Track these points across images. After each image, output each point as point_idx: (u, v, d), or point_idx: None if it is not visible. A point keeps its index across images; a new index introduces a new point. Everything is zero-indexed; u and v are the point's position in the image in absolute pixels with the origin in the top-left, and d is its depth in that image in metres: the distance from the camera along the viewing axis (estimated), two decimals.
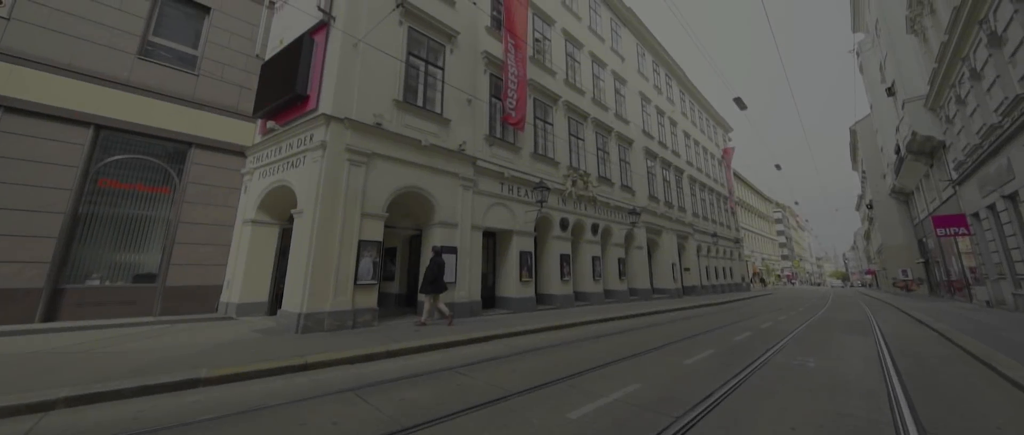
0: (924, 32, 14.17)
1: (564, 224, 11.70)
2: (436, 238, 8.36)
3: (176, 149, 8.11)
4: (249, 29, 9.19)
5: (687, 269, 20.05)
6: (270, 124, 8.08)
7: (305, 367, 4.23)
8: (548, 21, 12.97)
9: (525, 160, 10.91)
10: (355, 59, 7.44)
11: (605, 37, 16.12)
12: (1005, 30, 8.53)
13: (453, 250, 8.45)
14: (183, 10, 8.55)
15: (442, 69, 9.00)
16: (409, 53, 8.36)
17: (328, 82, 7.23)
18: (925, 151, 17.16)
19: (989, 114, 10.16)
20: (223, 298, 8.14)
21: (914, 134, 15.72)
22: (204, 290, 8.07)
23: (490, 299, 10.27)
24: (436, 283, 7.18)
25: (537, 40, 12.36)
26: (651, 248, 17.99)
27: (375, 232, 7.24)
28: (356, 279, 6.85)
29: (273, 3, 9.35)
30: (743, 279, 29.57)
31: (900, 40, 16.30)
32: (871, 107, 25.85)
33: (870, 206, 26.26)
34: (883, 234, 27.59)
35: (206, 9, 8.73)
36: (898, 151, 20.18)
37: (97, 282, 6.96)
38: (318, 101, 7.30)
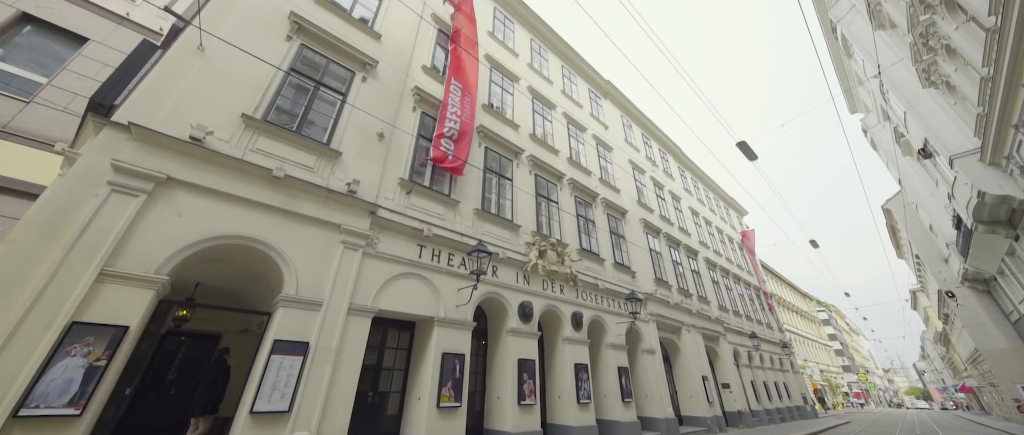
0: (945, 79, 12.30)
1: (526, 312, 7.95)
2: (280, 327, 4.89)
3: None
4: None
5: (726, 385, 14.63)
6: (59, 145, 5.66)
7: None
8: (512, 78, 11.70)
9: (465, 218, 7.94)
10: (191, 61, 5.36)
11: (583, 104, 14.86)
12: None
13: (300, 348, 4.85)
14: (47, 38, 7.22)
15: (344, 95, 6.92)
16: (292, 69, 6.38)
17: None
18: (1000, 219, 13.53)
19: None
20: None
21: (982, 196, 12.41)
22: None
23: None
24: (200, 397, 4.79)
25: (496, 103, 10.80)
26: (669, 353, 13.25)
27: (120, 310, 3.92)
28: (22, 404, 3.28)
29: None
30: (805, 399, 22.48)
31: (917, 97, 14.47)
32: (899, 182, 23.16)
33: (950, 295, 20.97)
34: (973, 336, 21.52)
35: (82, 39, 7.42)
36: (958, 225, 16.52)
37: None
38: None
